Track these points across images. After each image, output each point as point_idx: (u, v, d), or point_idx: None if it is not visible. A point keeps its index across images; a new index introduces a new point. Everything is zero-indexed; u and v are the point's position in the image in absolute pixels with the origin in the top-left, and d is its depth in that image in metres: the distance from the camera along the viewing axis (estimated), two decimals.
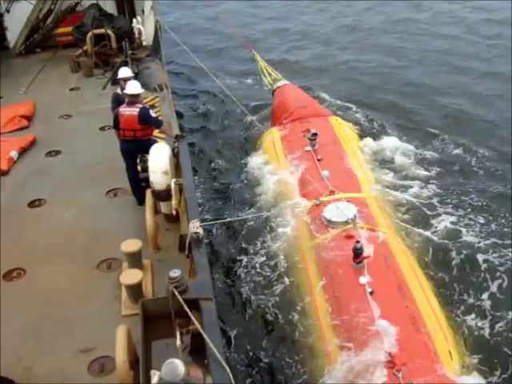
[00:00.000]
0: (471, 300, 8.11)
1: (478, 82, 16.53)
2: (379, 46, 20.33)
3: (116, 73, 10.03)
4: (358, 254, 7.41)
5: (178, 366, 3.93)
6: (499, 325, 7.67)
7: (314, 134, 10.59)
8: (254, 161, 11.73)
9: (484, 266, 8.69)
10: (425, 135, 13.14)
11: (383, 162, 11.61)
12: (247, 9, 26.06)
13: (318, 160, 10.11)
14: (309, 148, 10.56)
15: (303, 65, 19.03)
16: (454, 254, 8.92)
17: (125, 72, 9.01)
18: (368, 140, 12.26)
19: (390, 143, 12.28)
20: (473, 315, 7.82)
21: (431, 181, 11.07)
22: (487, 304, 8.03)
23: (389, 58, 19.01)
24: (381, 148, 12.02)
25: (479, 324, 7.67)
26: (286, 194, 9.93)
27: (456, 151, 12.40)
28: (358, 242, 7.50)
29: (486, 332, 7.55)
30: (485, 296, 8.17)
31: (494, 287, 8.31)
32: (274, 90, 13.69)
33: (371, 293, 6.97)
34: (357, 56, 19.54)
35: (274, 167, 10.99)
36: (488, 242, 9.26)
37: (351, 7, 25.16)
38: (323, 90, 15.71)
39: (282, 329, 7.69)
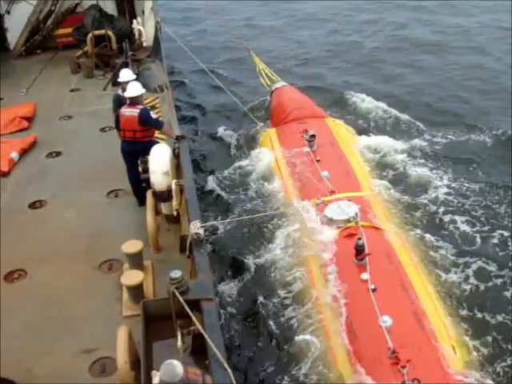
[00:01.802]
0: (474, 296, 8.12)
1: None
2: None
3: (116, 74, 10.02)
4: (360, 250, 7.46)
5: (176, 366, 3.93)
6: (502, 319, 7.69)
7: (312, 136, 10.64)
8: (253, 161, 11.74)
9: (486, 259, 8.74)
10: (422, 132, 13.21)
11: (381, 160, 11.61)
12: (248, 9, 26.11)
13: (317, 161, 10.15)
14: (307, 149, 10.60)
15: (300, 63, 19.12)
16: (455, 249, 8.96)
17: (127, 75, 8.98)
18: (364, 138, 12.30)
19: (387, 142, 12.30)
20: (475, 311, 7.83)
21: (429, 178, 11.08)
22: (490, 299, 8.05)
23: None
24: (377, 147, 12.04)
25: (482, 320, 7.69)
26: (286, 194, 9.96)
27: (454, 145, 12.48)
28: (359, 238, 7.54)
29: (489, 327, 7.57)
30: (488, 291, 8.19)
31: (497, 282, 8.35)
32: (272, 92, 13.73)
33: (374, 289, 7.02)
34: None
35: (272, 168, 11.00)
36: (489, 234, 9.35)
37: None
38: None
39: (285, 328, 7.67)
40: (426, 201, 10.24)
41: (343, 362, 6.60)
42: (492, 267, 8.60)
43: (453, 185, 10.80)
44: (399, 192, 10.38)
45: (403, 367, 5.99)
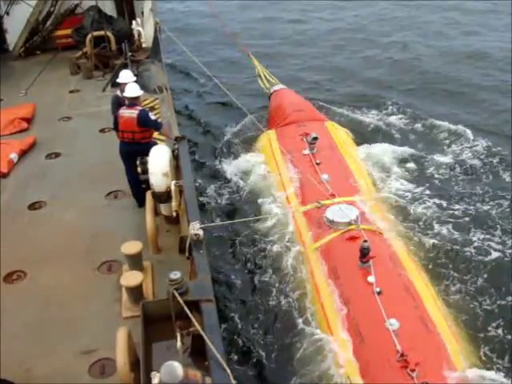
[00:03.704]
0: (477, 297, 8.13)
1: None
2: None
3: (116, 75, 10.01)
4: (364, 253, 7.45)
5: (176, 368, 3.94)
6: (509, 321, 7.69)
7: (315, 138, 10.63)
8: (252, 163, 11.74)
9: (488, 262, 8.76)
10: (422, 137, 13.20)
11: (379, 164, 11.62)
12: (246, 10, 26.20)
13: (317, 164, 10.13)
14: (307, 151, 10.58)
15: (298, 67, 19.15)
16: (456, 252, 8.96)
17: (126, 76, 8.98)
18: (364, 146, 12.32)
19: (385, 146, 12.31)
20: (479, 313, 7.85)
21: (427, 182, 11.15)
22: (493, 301, 8.07)
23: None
24: (376, 151, 12.04)
25: (487, 321, 7.70)
26: (286, 196, 9.93)
27: (455, 152, 12.44)
28: (365, 241, 7.53)
29: (495, 329, 7.57)
30: (490, 293, 8.20)
31: (498, 284, 8.35)
32: (271, 94, 13.73)
33: (379, 292, 7.01)
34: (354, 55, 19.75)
35: (272, 170, 11.00)
36: (491, 239, 9.35)
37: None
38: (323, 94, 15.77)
39: (288, 330, 7.66)
40: (424, 204, 10.25)
41: (350, 365, 6.56)
42: (496, 271, 8.62)
43: (451, 188, 10.86)
44: (398, 196, 10.36)
45: (412, 370, 5.99)
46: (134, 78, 9.00)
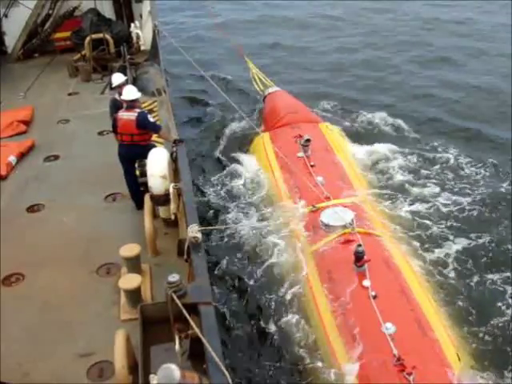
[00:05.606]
0: (473, 299, 8.11)
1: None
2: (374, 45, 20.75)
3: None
4: (359, 257, 7.41)
5: (173, 370, 3.95)
6: (505, 324, 7.68)
7: (307, 140, 10.58)
8: (247, 166, 11.72)
9: (484, 263, 8.78)
10: (416, 140, 13.22)
11: (374, 167, 11.63)
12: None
13: (312, 166, 10.11)
14: (301, 154, 10.53)
15: (293, 68, 19.20)
16: (452, 254, 8.97)
17: (118, 78, 9.02)
18: (357, 144, 12.31)
19: (381, 148, 12.32)
20: (477, 316, 7.82)
21: (425, 183, 11.15)
22: (491, 302, 8.06)
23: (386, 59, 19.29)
24: (371, 153, 12.05)
25: (484, 323, 7.67)
26: (280, 200, 9.90)
27: (447, 156, 12.46)
28: (359, 245, 7.51)
29: (492, 332, 7.55)
30: (488, 295, 8.20)
31: (495, 285, 8.33)
32: (265, 96, 13.72)
33: (374, 296, 6.98)
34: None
35: (266, 173, 10.98)
36: (485, 239, 9.35)
37: None
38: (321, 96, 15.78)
39: (284, 334, 7.64)
40: (422, 206, 10.25)
41: (347, 369, 6.49)
42: (495, 272, 8.63)
43: (447, 194, 10.82)
44: (393, 198, 10.36)
45: (409, 374, 5.96)
46: (125, 77, 9.08)
